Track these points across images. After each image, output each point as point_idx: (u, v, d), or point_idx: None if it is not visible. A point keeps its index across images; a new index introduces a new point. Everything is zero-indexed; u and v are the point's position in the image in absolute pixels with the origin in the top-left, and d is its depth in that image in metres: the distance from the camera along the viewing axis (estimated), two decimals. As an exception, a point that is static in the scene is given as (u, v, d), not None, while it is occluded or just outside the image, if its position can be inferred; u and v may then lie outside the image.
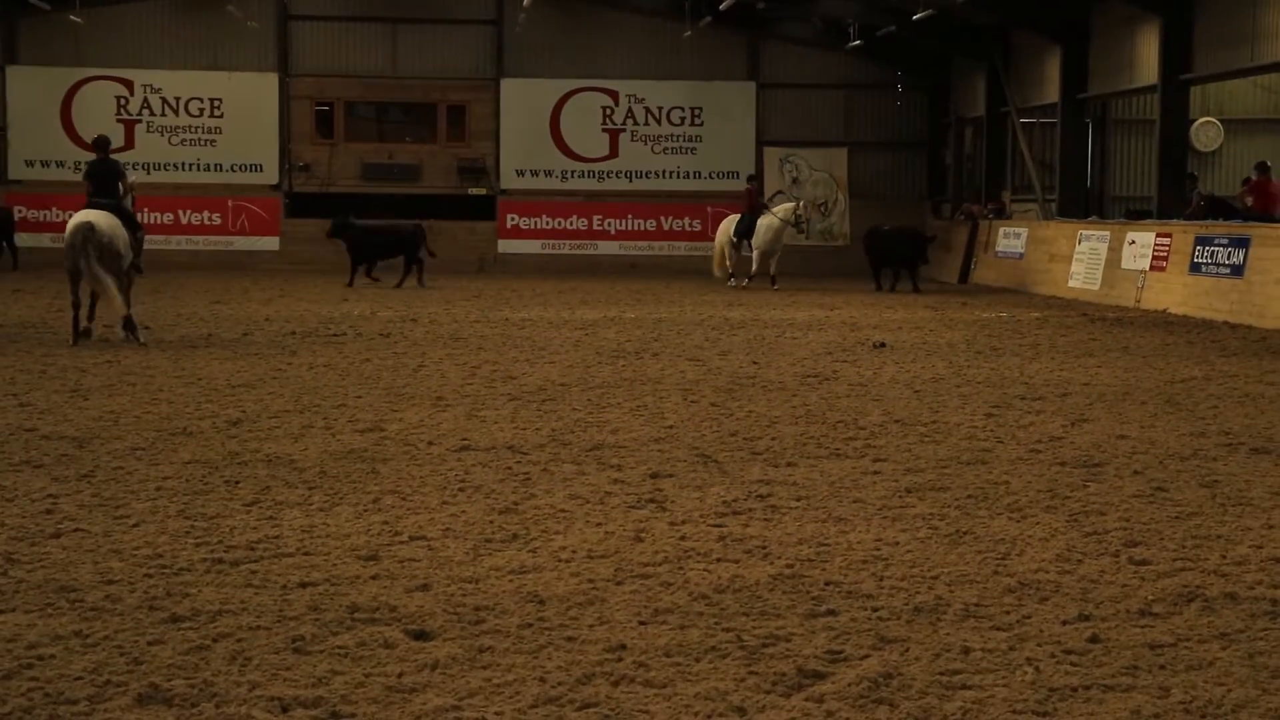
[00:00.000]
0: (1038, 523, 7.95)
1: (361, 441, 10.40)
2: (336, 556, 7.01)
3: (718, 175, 39.54)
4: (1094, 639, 5.80)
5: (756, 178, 35.06)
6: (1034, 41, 33.69)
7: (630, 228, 39.45)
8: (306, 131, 38.97)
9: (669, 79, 39.22)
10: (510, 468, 9.46)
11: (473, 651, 5.57)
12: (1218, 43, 26.76)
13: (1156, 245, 25.65)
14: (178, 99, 38.61)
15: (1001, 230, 33.94)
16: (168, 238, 38.27)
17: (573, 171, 39.34)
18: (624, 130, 39.49)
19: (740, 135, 39.47)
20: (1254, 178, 26.54)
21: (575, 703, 5.04)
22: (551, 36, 38.91)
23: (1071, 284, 28.87)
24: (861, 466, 9.64)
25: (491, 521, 7.84)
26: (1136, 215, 29.35)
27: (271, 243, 38.65)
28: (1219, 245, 23.41)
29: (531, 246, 39.14)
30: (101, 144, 18.96)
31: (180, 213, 38.63)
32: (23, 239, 35.70)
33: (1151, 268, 25.73)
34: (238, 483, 8.82)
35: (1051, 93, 33.00)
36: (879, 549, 7.30)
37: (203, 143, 38.76)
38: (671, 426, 11.32)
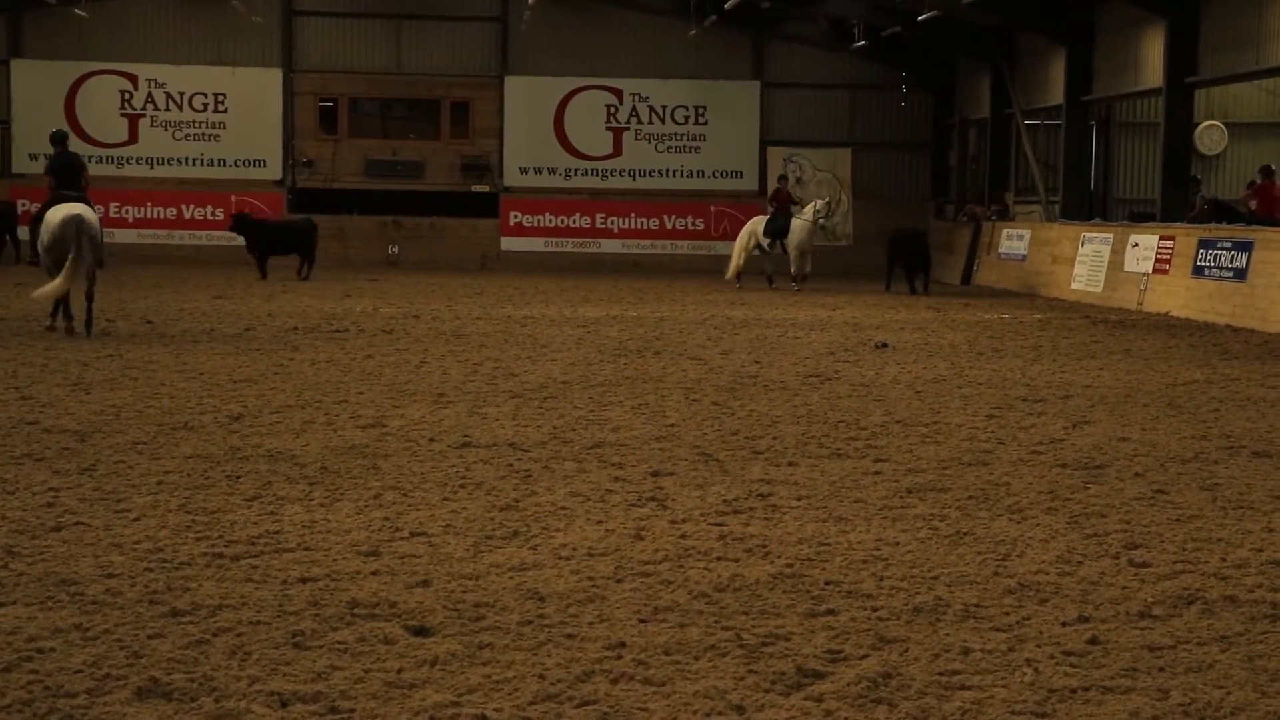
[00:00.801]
0: (1038, 524, 7.95)
1: (363, 437, 10.41)
2: (337, 552, 7.02)
3: (721, 175, 39.55)
4: (1093, 641, 5.80)
5: (784, 178, 34.83)
6: (1039, 43, 33.68)
7: (633, 226, 39.46)
8: (310, 127, 38.99)
9: (673, 78, 39.22)
10: (511, 465, 9.47)
11: (472, 648, 5.58)
12: (1223, 46, 26.75)
13: (1160, 248, 25.65)
14: (182, 94, 38.63)
15: (1005, 232, 33.94)
16: (171, 232, 38.36)
17: (576, 169, 39.35)
18: (628, 129, 39.50)
19: (744, 135, 39.47)
20: (1258, 181, 26.52)
21: (574, 700, 5.04)
22: (556, 34, 38.92)
23: (1074, 286, 28.87)
24: (863, 467, 9.64)
25: (492, 518, 7.84)
26: (1140, 218, 29.34)
27: (275, 238, 38.59)
28: (1222, 249, 23.40)
29: (534, 244, 39.16)
30: (60, 138, 18.98)
31: (183, 208, 38.65)
32: (25, 232, 35.64)
33: (1154, 270, 25.73)
34: (239, 478, 8.83)
35: (1056, 94, 32.98)
36: (879, 549, 7.30)
37: (206, 138, 38.79)
38: (673, 425, 11.32)
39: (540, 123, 39.12)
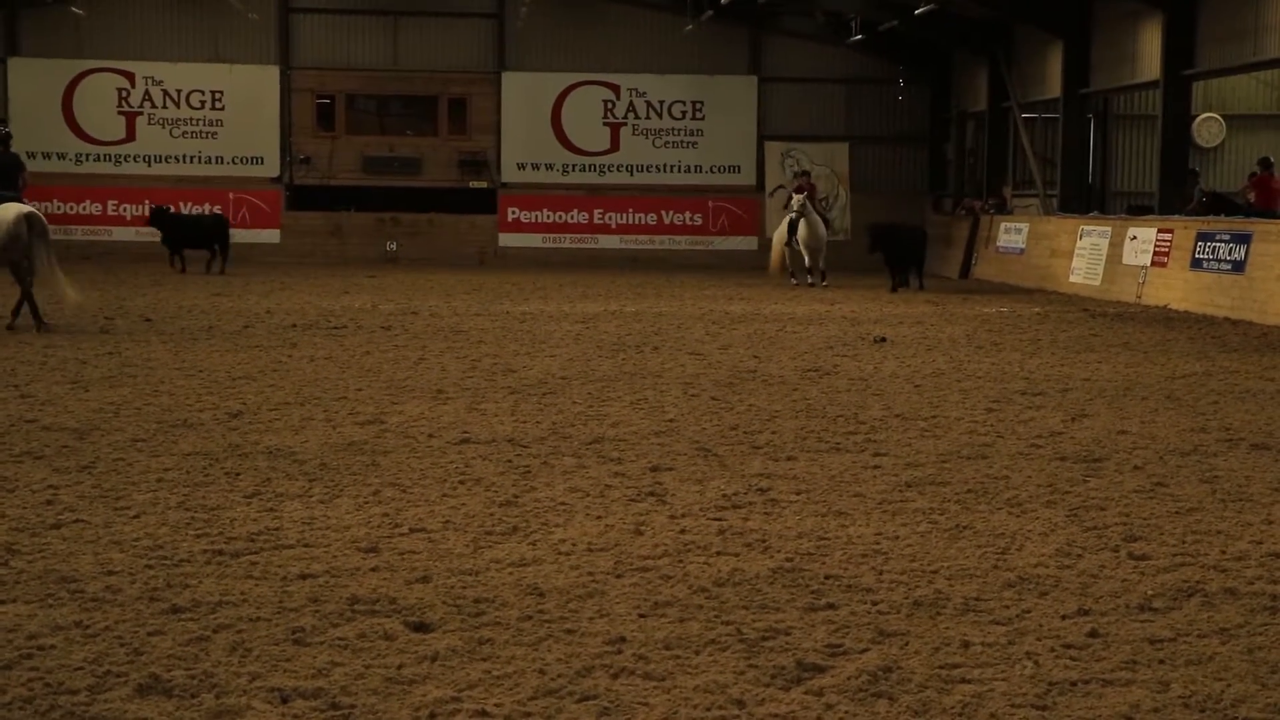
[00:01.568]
0: (1037, 518, 7.96)
1: (362, 434, 10.41)
2: (337, 548, 7.02)
3: (719, 169, 39.54)
4: (1093, 634, 5.81)
5: (806, 173, 34.63)
6: (1036, 36, 33.67)
7: (631, 222, 39.44)
8: (307, 124, 38.97)
9: (670, 73, 39.20)
10: (510, 461, 9.47)
11: (472, 643, 5.58)
12: (1220, 38, 26.75)
13: (1158, 241, 25.66)
14: (179, 91, 38.60)
15: (1003, 225, 33.94)
16: (169, 230, 38.21)
17: (574, 165, 39.33)
18: (625, 124, 39.47)
19: (741, 129, 39.46)
20: (1257, 173, 26.53)
21: (575, 695, 5.05)
22: (553, 30, 38.91)
23: (1073, 279, 28.88)
24: (862, 461, 9.65)
25: (491, 514, 7.85)
26: (1138, 210, 29.34)
27: (273, 235, 38.65)
28: (1220, 241, 23.41)
29: (532, 240, 39.14)
30: (3, 139, 18.99)
31: (181, 205, 38.57)
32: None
33: (1153, 263, 25.74)
34: (238, 474, 8.83)
35: (1053, 88, 32.98)
36: (879, 543, 7.31)
37: (204, 135, 38.76)
38: (672, 420, 11.33)
39: (538, 119, 39.10)
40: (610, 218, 39.39)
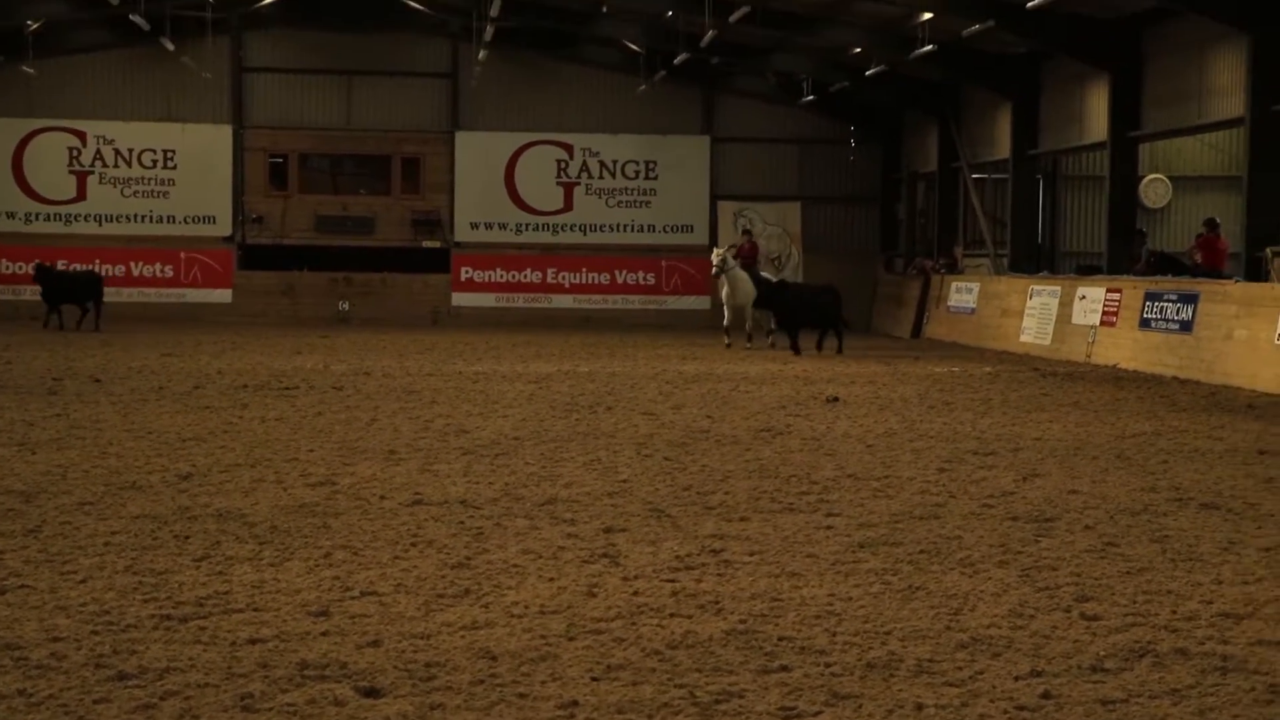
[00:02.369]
0: (990, 578, 7.97)
1: (313, 496, 10.34)
2: (287, 612, 6.95)
3: (672, 229, 39.73)
4: (1046, 695, 5.81)
5: (748, 231, 34.65)
6: (985, 97, 34.07)
7: (585, 281, 39.55)
8: (260, 183, 38.96)
9: (624, 132, 39.45)
10: (463, 522, 9.43)
11: (424, 709, 5.53)
12: (1165, 100, 27.14)
13: (1107, 301, 25.90)
14: (131, 150, 38.54)
15: (954, 285, 34.19)
16: (119, 290, 38.04)
17: (527, 224, 39.45)
18: (578, 184, 39.66)
19: (694, 189, 39.70)
20: (1204, 234, 26.86)
21: (527, 761, 5.00)
22: (507, 90, 39.10)
23: (1023, 339, 29.09)
24: (815, 521, 9.65)
25: (443, 576, 7.80)
26: (1087, 270, 29.62)
27: (224, 295, 38.54)
28: (1169, 301, 23.65)
29: (486, 300, 39.18)
30: None
31: (132, 264, 38.48)
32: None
33: (1102, 323, 25.97)
34: (187, 537, 8.74)
35: (1003, 148, 33.35)
36: (832, 604, 7.30)
37: (156, 194, 38.67)
38: (625, 481, 11.30)
39: (491, 178, 39.23)
40: (564, 277, 39.49)
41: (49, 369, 20.90)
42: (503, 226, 39.40)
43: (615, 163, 39.65)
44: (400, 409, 16.44)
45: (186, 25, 36.29)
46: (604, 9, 35.75)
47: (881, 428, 15.27)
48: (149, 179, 38.65)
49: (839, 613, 7.12)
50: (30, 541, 8.55)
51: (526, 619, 6.90)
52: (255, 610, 6.98)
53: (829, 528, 9.40)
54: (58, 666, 5.99)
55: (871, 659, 6.29)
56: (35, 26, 36.01)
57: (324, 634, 6.57)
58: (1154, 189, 33.70)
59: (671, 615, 7.01)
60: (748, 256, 31.80)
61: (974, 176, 35.49)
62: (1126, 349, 24.79)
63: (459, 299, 39.18)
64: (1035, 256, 33.21)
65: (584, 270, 39.54)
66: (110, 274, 37.99)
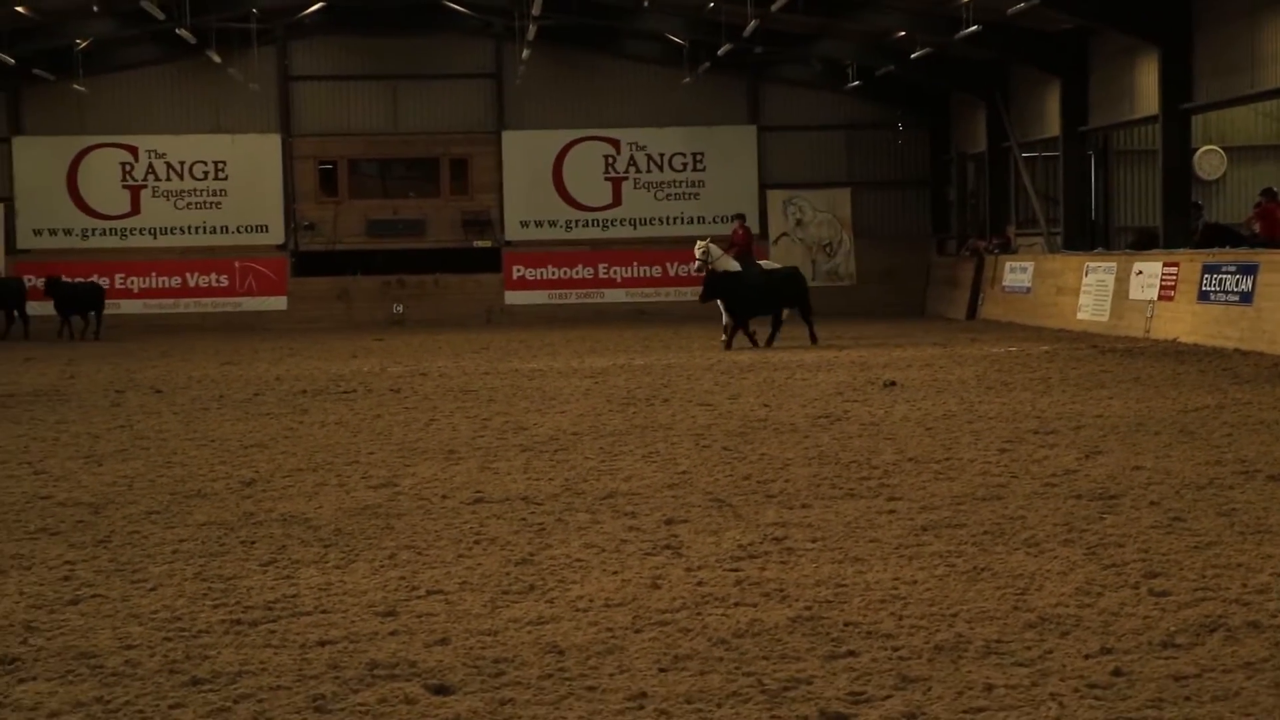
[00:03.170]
0: (1055, 557, 7.92)
1: (376, 497, 10.40)
2: (354, 613, 7.00)
3: (722, 220, 39.59)
4: (1117, 672, 5.77)
5: (741, 216, 33.89)
6: (1032, 76, 33.81)
7: (636, 275, 39.56)
8: (310, 190, 39.19)
9: (670, 125, 39.42)
10: (525, 519, 9.46)
11: (494, 704, 5.55)
12: (1218, 71, 26.83)
13: (1164, 275, 25.66)
14: (182, 163, 38.88)
15: (1008, 265, 33.98)
16: (176, 300, 38.51)
17: (577, 221, 39.49)
18: (626, 178, 39.66)
19: (742, 179, 39.61)
20: (1261, 203, 26.57)
21: (599, 753, 5.02)
22: (551, 88, 39.14)
23: (1080, 316, 28.87)
24: (876, 506, 9.62)
25: (508, 573, 7.83)
26: (1145, 237, 29.30)
27: (279, 302, 38.81)
28: (1227, 273, 23.41)
29: (538, 297, 39.26)
30: None
31: (187, 275, 38.81)
32: (31, 307, 35.77)
33: (1160, 297, 25.73)
34: (253, 543, 8.82)
35: (1052, 126, 33.09)
36: (897, 588, 7.28)
37: (208, 205, 38.99)
38: (685, 472, 11.31)
39: (539, 176, 39.29)
40: (615, 272, 39.51)
41: (111, 381, 21.11)
42: (552, 224, 39.46)
43: (663, 156, 39.63)
44: (458, 408, 16.51)
45: (232, 37, 36.56)
46: (645, 3, 35.70)
47: (940, 410, 15.20)
48: (201, 190, 38.97)
49: (904, 596, 7.10)
50: (100, 551, 8.65)
51: (592, 612, 6.92)
52: (323, 612, 7.04)
53: (891, 512, 9.38)
54: (133, 673, 6.06)
55: (939, 641, 6.27)
56: (84, 45, 36.38)
57: (392, 634, 6.61)
58: (1209, 160, 33.36)
59: (736, 604, 7.01)
60: (741, 245, 30.06)
61: (1024, 155, 35.24)
62: (1186, 322, 24.55)
63: (512, 297, 39.27)
64: (1089, 233, 32.94)
65: (635, 264, 39.55)
66: (167, 285, 38.47)
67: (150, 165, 38.83)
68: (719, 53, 35.81)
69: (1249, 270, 22.76)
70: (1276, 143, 33.43)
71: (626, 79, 39.54)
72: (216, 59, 36.77)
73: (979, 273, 35.40)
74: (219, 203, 38.96)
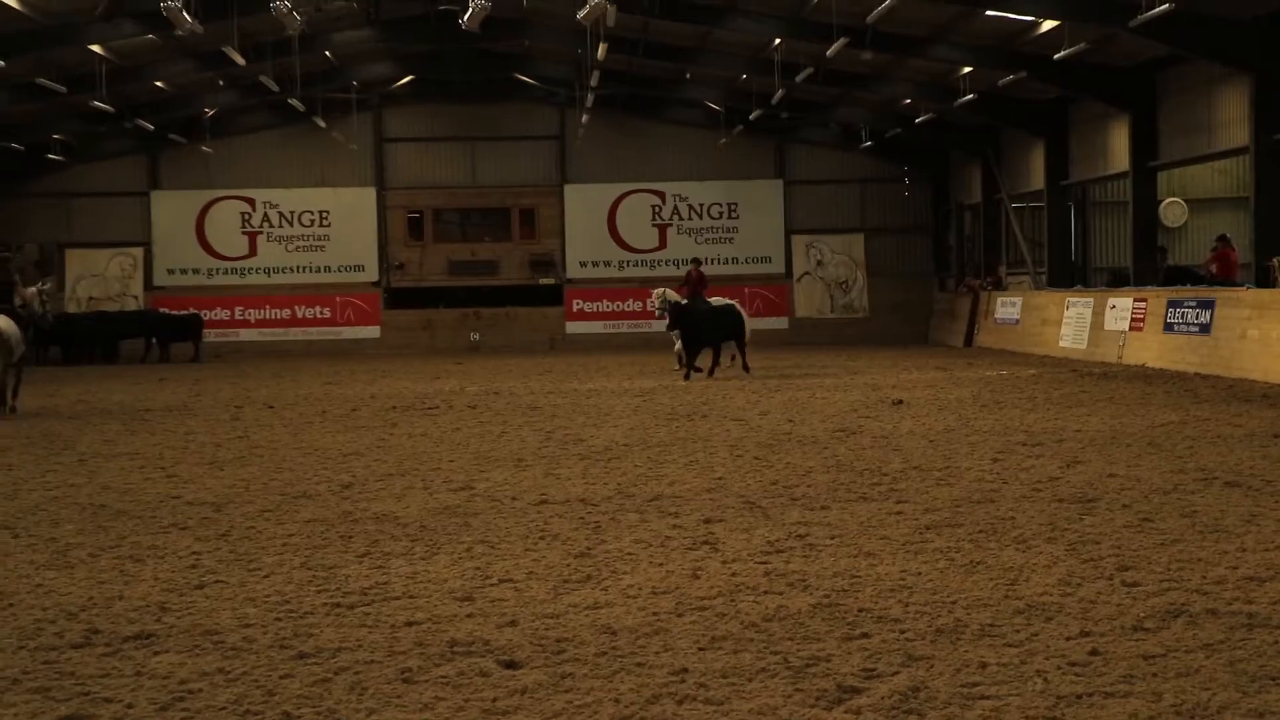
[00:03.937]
0: (1041, 552, 7.86)
1: (455, 499, 10.43)
2: (437, 599, 7.02)
3: (752, 260, 39.77)
4: (1094, 652, 5.73)
5: (697, 260, 30.91)
6: (1021, 137, 33.71)
7: (680, 308, 39.44)
8: (400, 235, 39.44)
9: (708, 179, 39.52)
10: (583, 518, 9.46)
11: (556, 678, 5.56)
12: (1180, 133, 26.69)
13: (1135, 309, 25.47)
14: (292, 212, 39.23)
15: (999, 300, 33.79)
16: (287, 330, 38.89)
17: (628, 261, 39.58)
18: (671, 225, 39.73)
19: (770, 225, 39.67)
20: (1218, 248, 26.34)
21: None
22: (606, 147, 39.29)
23: (1061, 344, 28.66)
24: (886, 508, 9.58)
25: (568, 564, 7.83)
26: (1118, 278, 29.11)
27: (373, 331, 39.04)
28: (1189, 307, 23.22)
29: (595, 327, 39.32)
30: None
31: (296, 308, 39.13)
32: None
33: (1131, 328, 25.53)
34: (351, 537, 8.85)
35: (1038, 180, 32.95)
36: (904, 579, 7.24)
37: (314, 248, 39.30)
38: (721, 478, 11.28)
39: (596, 223, 39.43)
40: (662, 305, 39.43)
41: (231, 398, 21.26)
42: (607, 264, 39.55)
43: (702, 205, 39.68)
44: (525, 423, 16.53)
45: (335, 105, 36.90)
46: (688, 75, 35.80)
47: (941, 425, 15.12)
48: (308, 236, 39.29)
49: (910, 586, 7.07)
50: (222, 544, 8.70)
51: (640, 599, 6.91)
52: (410, 597, 7.06)
53: (899, 513, 9.33)
54: (249, 648, 6.09)
55: (940, 625, 6.24)
56: (211, 113, 36.84)
57: (469, 616, 6.62)
58: (1172, 210, 33.04)
59: (765, 593, 6.99)
60: (695, 284, 28.35)
61: (1013, 206, 35.09)
62: (1153, 350, 24.34)
63: (572, 327, 39.36)
64: (1070, 273, 32.73)
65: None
66: (278, 317, 38.83)
67: (265, 214, 39.18)
68: (750, 117, 35.87)
69: (1207, 305, 22.56)
70: (1231, 195, 33.09)
71: (671, 140, 39.62)
72: (322, 124, 37.10)
73: (975, 307, 35.22)
74: (323, 246, 39.25)
